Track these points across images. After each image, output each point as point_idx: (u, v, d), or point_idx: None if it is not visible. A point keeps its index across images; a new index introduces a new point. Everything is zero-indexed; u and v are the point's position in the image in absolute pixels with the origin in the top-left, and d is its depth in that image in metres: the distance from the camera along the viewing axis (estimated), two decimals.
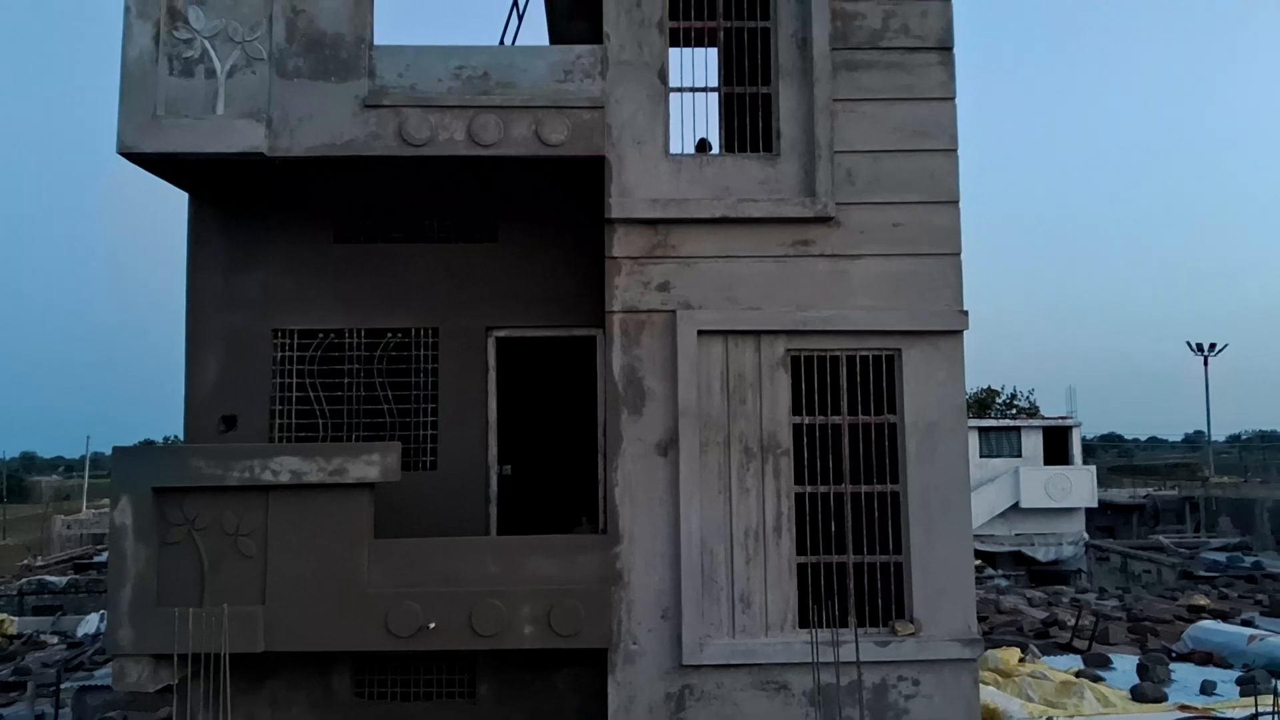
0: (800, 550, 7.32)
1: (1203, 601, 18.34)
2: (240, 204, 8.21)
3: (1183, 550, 29.39)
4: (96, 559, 27.67)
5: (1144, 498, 42.08)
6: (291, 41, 7.28)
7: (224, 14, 7.25)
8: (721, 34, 7.78)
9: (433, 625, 6.94)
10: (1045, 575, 29.54)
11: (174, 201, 8.25)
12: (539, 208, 8.29)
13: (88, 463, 52.20)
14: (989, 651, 10.41)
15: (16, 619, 17.23)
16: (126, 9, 7.17)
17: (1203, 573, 24.83)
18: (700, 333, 7.33)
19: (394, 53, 7.34)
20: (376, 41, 7.36)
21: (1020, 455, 32.31)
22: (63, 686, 9.67)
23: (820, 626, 6.88)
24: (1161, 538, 33.17)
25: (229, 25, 7.23)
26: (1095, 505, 33.06)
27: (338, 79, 7.26)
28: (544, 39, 10.94)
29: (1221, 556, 27.31)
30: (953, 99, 7.57)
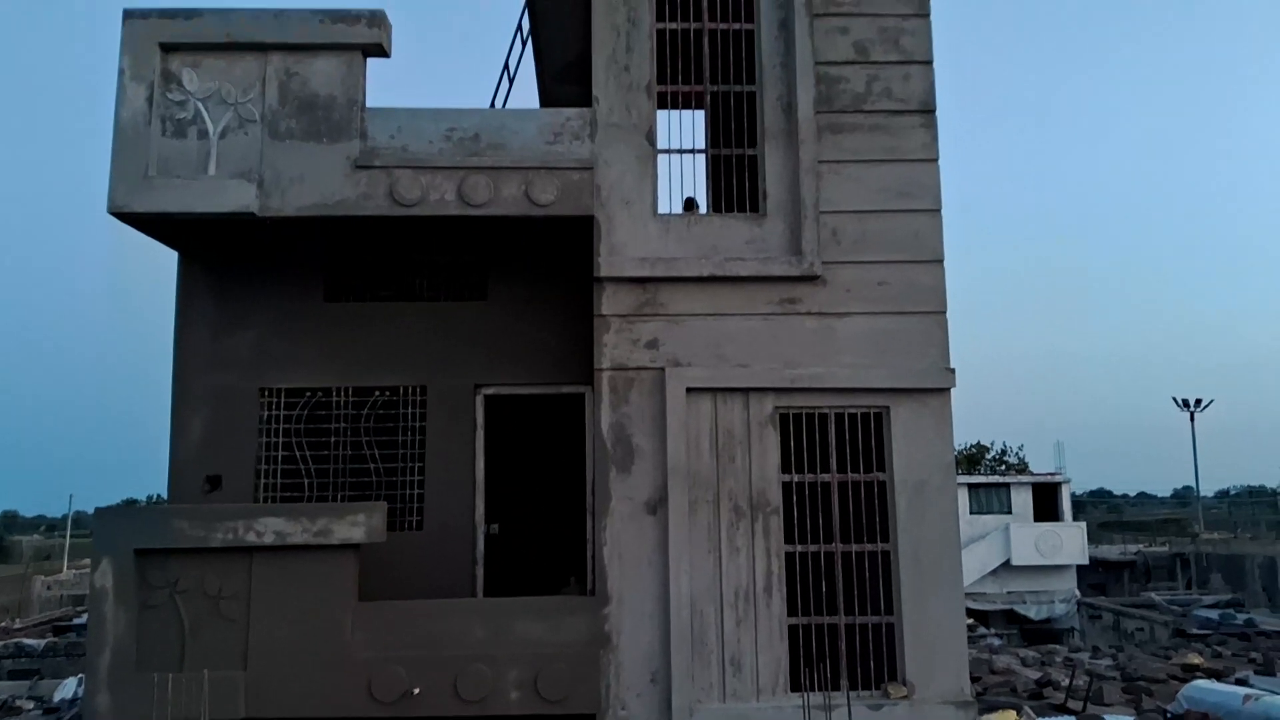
0: (791, 611, 7.24)
1: (1197, 660, 18.17)
2: (230, 263, 8.23)
3: (1175, 607, 29.20)
4: (76, 621, 27.13)
5: (1135, 554, 41.92)
6: (284, 104, 7.37)
7: (218, 77, 7.35)
8: (708, 97, 7.92)
9: (417, 690, 6.80)
10: (1038, 634, 29.25)
11: (164, 259, 8.27)
12: (528, 266, 8.34)
13: (70, 522, 51.47)
14: (983, 715, 10.25)
15: None
16: (121, 71, 7.25)
17: (1196, 630, 24.65)
18: (689, 390, 7.33)
19: (386, 115, 7.43)
20: (368, 104, 7.46)
21: (1010, 512, 32.20)
22: None
23: (812, 690, 6.78)
24: (1154, 595, 32.99)
25: (222, 87, 7.33)
26: (1086, 562, 32.88)
27: (329, 140, 7.33)
28: (534, 101, 11.13)
29: (1214, 614, 27.13)
30: (936, 160, 7.69)
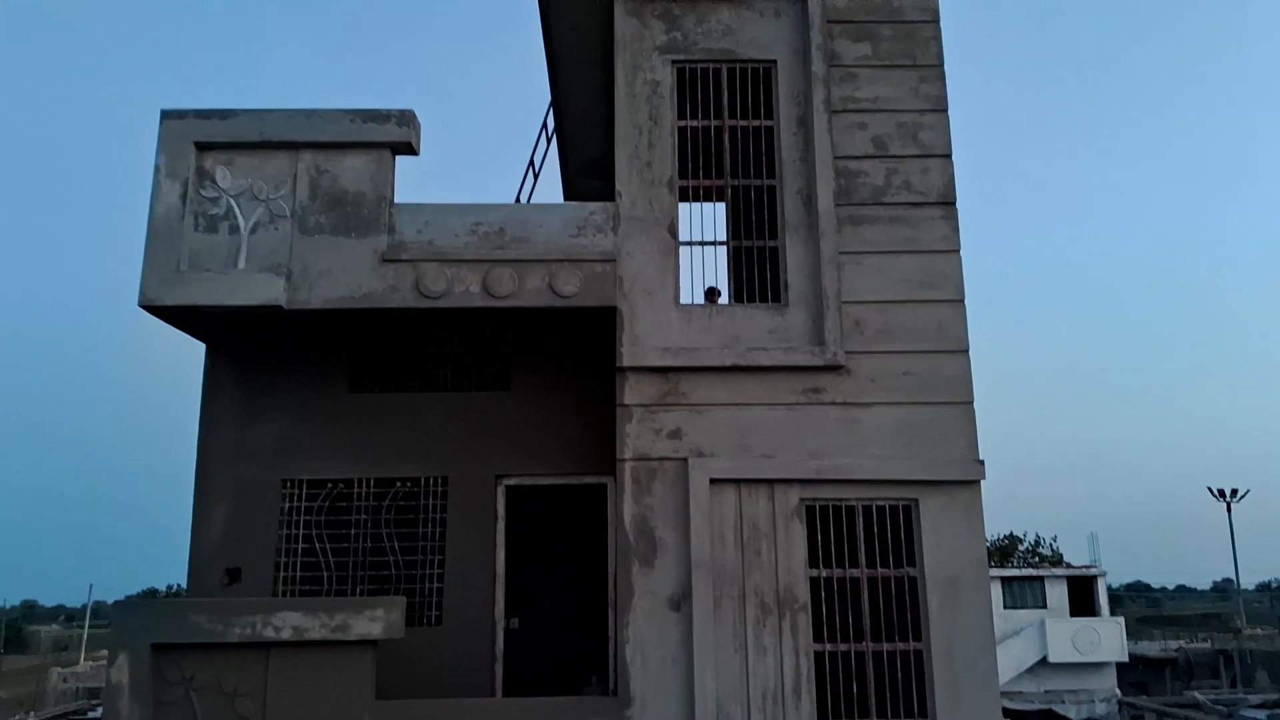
0: (821, 714, 6.97)
1: None
2: (256, 355, 8.32)
3: (1220, 707, 28.01)
4: (91, 715, 26.71)
5: (1176, 651, 40.48)
6: (314, 199, 7.54)
7: (250, 174, 7.54)
8: (729, 191, 8.03)
9: None
10: None
11: (188, 349, 8.38)
12: (551, 356, 8.36)
13: (88, 612, 51.17)
14: None
15: None
16: (156, 168, 7.47)
17: None
18: (713, 481, 7.24)
19: (414, 210, 7.58)
20: (396, 199, 7.61)
21: (1045, 606, 31.27)
22: None
23: None
24: (1197, 694, 31.68)
25: (255, 184, 7.51)
26: (1126, 659, 31.73)
27: (358, 235, 7.47)
28: (559, 195, 11.34)
29: (1262, 714, 25.98)
30: (957, 251, 7.71)
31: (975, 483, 7.29)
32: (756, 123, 8.02)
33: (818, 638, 7.08)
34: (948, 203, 7.78)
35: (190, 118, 7.59)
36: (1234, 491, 46.60)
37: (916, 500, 7.26)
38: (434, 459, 8.20)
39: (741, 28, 8.08)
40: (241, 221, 7.43)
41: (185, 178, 7.45)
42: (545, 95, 9.72)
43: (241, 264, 7.34)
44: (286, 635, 6.73)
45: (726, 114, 8.01)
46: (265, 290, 7.26)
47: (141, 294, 7.21)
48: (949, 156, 7.88)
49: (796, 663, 7.00)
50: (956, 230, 7.75)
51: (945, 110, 7.97)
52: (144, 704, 6.63)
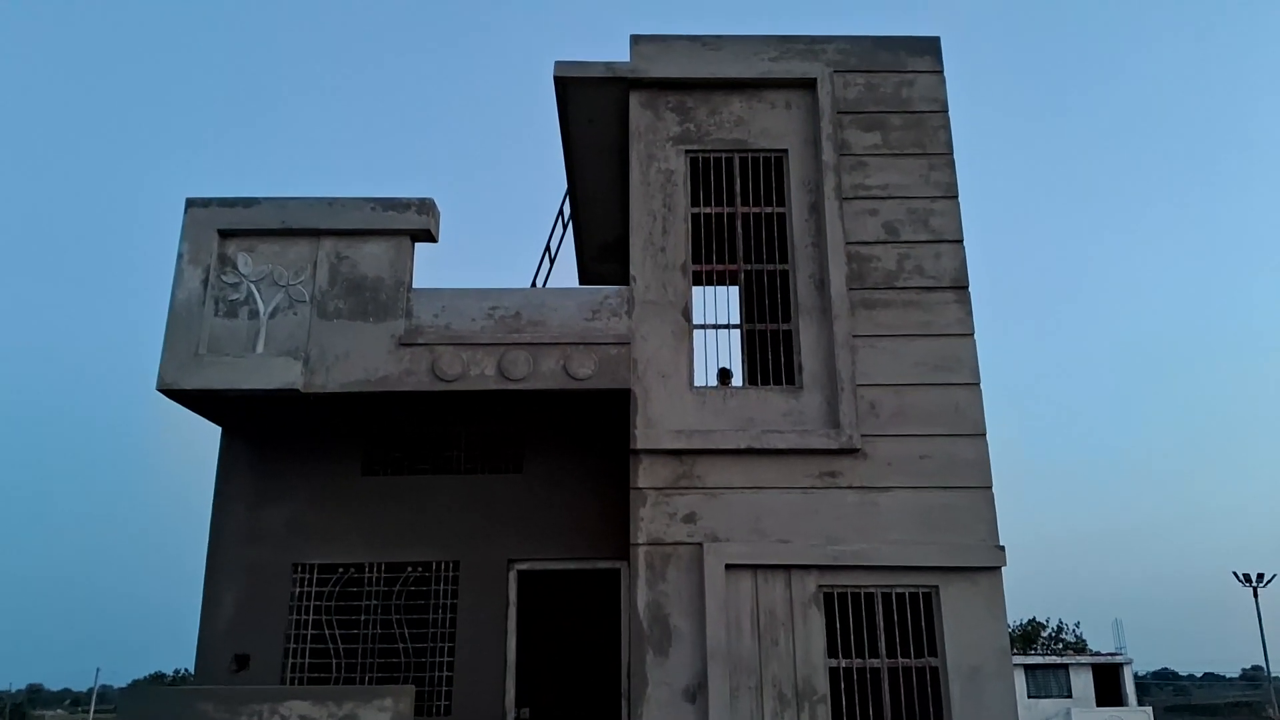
0: None
1: None
2: (271, 437, 8.34)
3: None
4: None
5: None
6: (334, 285, 7.65)
7: (271, 260, 7.68)
8: (742, 275, 8.11)
9: None
10: None
11: (204, 432, 8.41)
12: (564, 438, 8.35)
13: (94, 696, 50.30)
14: None
15: None
16: (180, 255, 7.61)
17: None
18: (728, 566, 7.13)
19: (431, 295, 7.67)
20: (414, 284, 7.71)
21: (1070, 695, 30.41)
22: None
23: None
24: None
25: (275, 270, 7.64)
26: None
27: (376, 319, 7.56)
28: (574, 277, 11.47)
29: None
30: (972, 334, 7.72)
31: (996, 569, 7.16)
32: (769, 209, 8.14)
33: None
34: (960, 286, 7.83)
35: (214, 205, 7.77)
36: (1260, 576, 45.50)
37: (937, 587, 7.13)
38: (446, 543, 8.13)
39: (753, 118, 8.27)
40: (261, 306, 7.54)
41: (208, 264, 7.59)
42: (562, 183, 9.91)
43: (260, 348, 7.42)
44: None
45: (739, 201, 8.14)
46: (282, 374, 7.32)
47: (160, 378, 7.28)
48: (960, 241, 7.96)
49: None
50: (970, 314, 7.77)
51: (956, 196, 8.08)
52: None
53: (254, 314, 7.52)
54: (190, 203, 7.79)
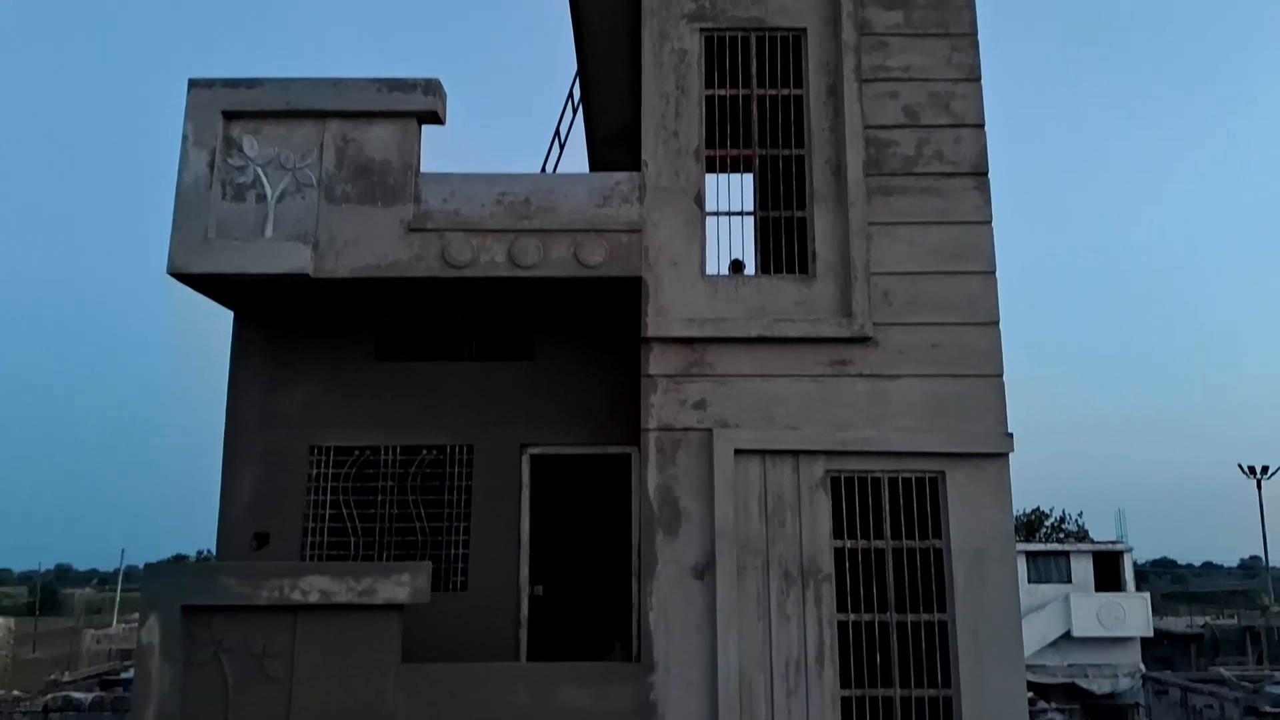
0: (844, 683, 7.00)
1: None
2: (283, 323, 8.37)
3: (1246, 684, 27.83)
4: (124, 675, 27.30)
5: (1201, 627, 40.25)
6: (341, 168, 7.54)
7: (277, 143, 7.55)
8: (756, 160, 7.94)
9: None
10: (1101, 709, 28.07)
11: (221, 318, 8.45)
12: (575, 327, 8.36)
13: (121, 576, 52.16)
14: None
15: None
16: (184, 137, 7.49)
17: (1268, 708, 23.43)
18: (737, 452, 7.23)
19: (440, 180, 7.56)
20: (422, 169, 7.60)
21: (1070, 581, 31.13)
22: None
23: None
24: (1223, 670, 31.49)
25: (281, 153, 7.52)
26: (1151, 634, 31.57)
27: (384, 204, 7.47)
28: (584, 166, 11.28)
29: None
30: (989, 222, 7.61)
31: (1004, 455, 7.24)
32: (785, 92, 7.92)
33: (841, 608, 7.09)
34: (980, 173, 7.67)
35: (218, 87, 7.60)
36: (1265, 469, 46.01)
37: (943, 473, 7.22)
38: (459, 428, 8.24)
39: None
40: (268, 190, 7.45)
41: (213, 146, 7.47)
42: (572, 65, 9.65)
43: (268, 232, 7.37)
44: (314, 599, 6.83)
45: (755, 83, 7.91)
46: (292, 259, 7.29)
47: (170, 261, 7.26)
48: (982, 126, 7.76)
49: (820, 632, 7.02)
50: (989, 201, 7.64)
51: (978, 79, 7.83)
52: (174, 664, 6.76)
53: (261, 198, 7.44)
54: (193, 83, 7.62)
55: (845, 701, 6.97)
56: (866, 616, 7.10)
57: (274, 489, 8.10)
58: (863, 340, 7.37)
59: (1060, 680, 29.90)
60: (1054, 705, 26.19)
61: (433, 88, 7.62)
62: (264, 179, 7.47)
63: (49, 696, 22.98)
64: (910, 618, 7.10)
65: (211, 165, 7.44)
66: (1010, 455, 7.25)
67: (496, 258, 7.38)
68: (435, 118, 7.66)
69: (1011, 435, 7.26)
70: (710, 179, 7.88)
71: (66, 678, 29.03)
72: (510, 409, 8.26)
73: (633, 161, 7.92)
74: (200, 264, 7.28)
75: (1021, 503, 45.51)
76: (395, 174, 7.52)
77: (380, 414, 8.24)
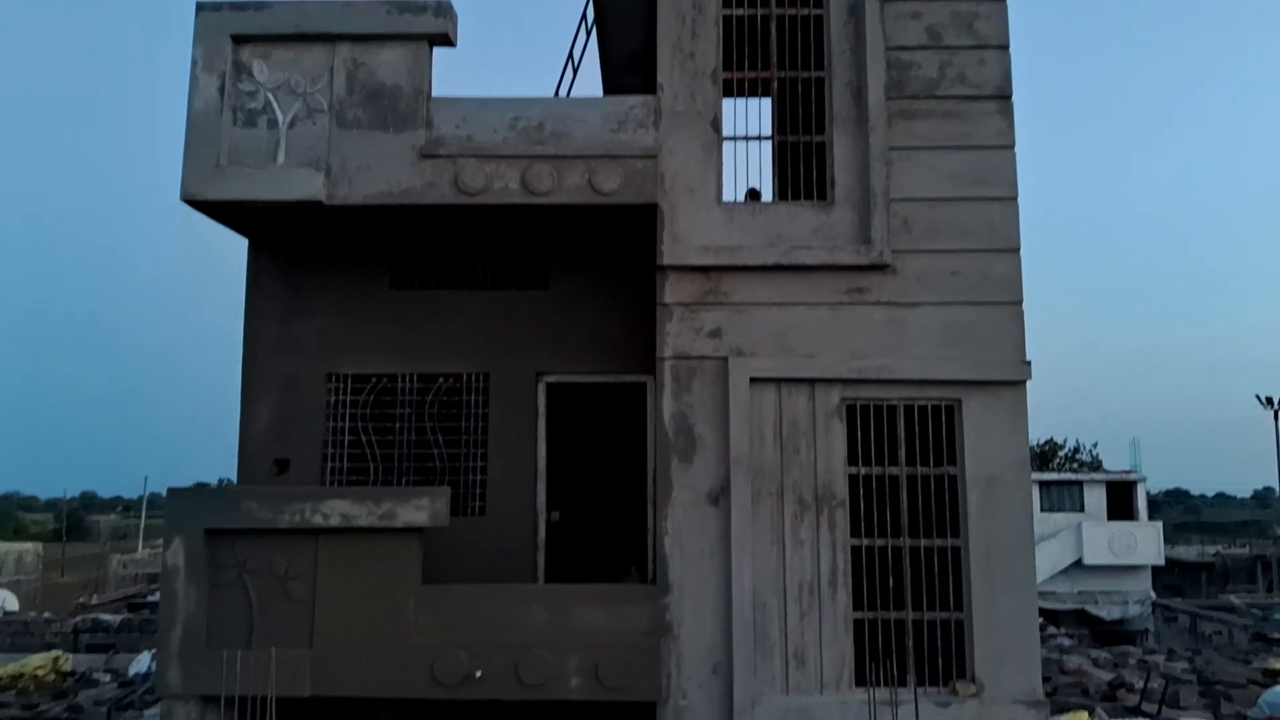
0: (857, 606, 7.11)
1: (1278, 666, 17.48)
2: (298, 251, 8.35)
3: (1255, 611, 28.16)
4: (150, 598, 28.03)
5: (1213, 556, 40.57)
6: (351, 93, 7.43)
7: (287, 67, 7.44)
8: (775, 84, 7.78)
9: (479, 674, 6.84)
10: (1110, 635, 28.46)
11: (237, 247, 8.44)
12: (590, 255, 8.31)
13: (145, 503, 53.23)
14: (1054, 716, 9.98)
15: (71, 656, 17.45)
16: (194, 62, 7.39)
17: (1277, 635, 23.74)
18: (753, 380, 7.23)
19: (451, 104, 7.45)
20: (434, 93, 7.48)
21: (1083, 510, 31.32)
22: None
23: (878, 685, 6.64)
24: (1232, 598, 31.87)
25: (291, 78, 7.42)
26: (1162, 563, 31.85)
27: (396, 129, 7.38)
28: (599, 92, 11.08)
29: None
30: (1012, 147, 7.46)
31: (1021, 383, 7.22)
32: (805, 12, 7.71)
33: (855, 533, 7.16)
34: (1004, 97, 7.49)
35: (226, 10, 7.47)
36: None
37: (960, 400, 7.22)
38: (475, 356, 8.27)
39: None
40: (280, 115, 7.37)
41: (223, 71, 7.37)
42: None
43: (280, 159, 7.31)
44: (335, 522, 6.95)
45: (774, 3, 7.70)
46: (305, 186, 7.24)
47: (183, 188, 7.23)
48: (1006, 48, 7.56)
49: (833, 556, 7.10)
50: (1012, 125, 7.48)
51: (1003, 0, 7.60)
52: (199, 585, 6.92)
53: (273, 124, 7.36)
54: (200, 6, 7.49)
55: (858, 623, 7.08)
56: (880, 542, 7.17)
57: (292, 416, 8.18)
58: (881, 268, 7.30)
59: (1070, 607, 30.30)
60: (1063, 630, 26.61)
61: (443, 9, 7.46)
62: (275, 104, 7.39)
63: (78, 619, 23.66)
64: (924, 543, 7.17)
65: (222, 91, 7.35)
66: (1027, 383, 7.23)
67: (510, 184, 7.30)
68: (446, 40, 7.52)
69: (1029, 363, 7.23)
70: (727, 103, 7.74)
71: (95, 601, 29.85)
72: (526, 337, 8.27)
73: (648, 87, 7.76)
74: (214, 190, 7.24)
75: (1035, 434, 45.56)
76: (406, 99, 7.42)
77: (396, 342, 8.26)
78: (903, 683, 6.87)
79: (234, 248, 8.44)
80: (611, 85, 11.06)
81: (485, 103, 7.47)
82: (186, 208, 7.34)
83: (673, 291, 7.37)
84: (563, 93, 9.63)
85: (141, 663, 15.86)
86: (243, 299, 8.40)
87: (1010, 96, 7.50)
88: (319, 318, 8.31)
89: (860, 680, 6.92)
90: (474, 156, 7.33)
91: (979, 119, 7.46)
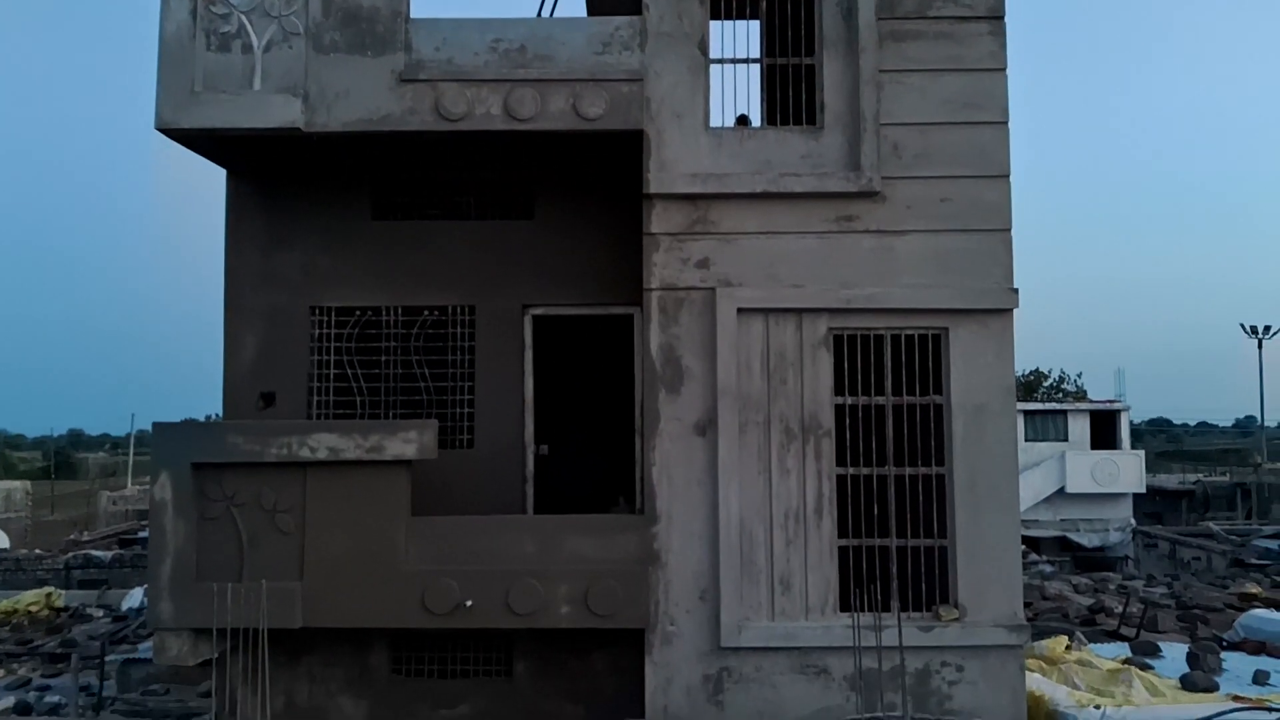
0: (842, 533, 7.17)
1: (1255, 590, 17.83)
2: (278, 181, 8.18)
3: (1234, 538, 28.69)
4: (140, 534, 28.16)
5: (1194, 484, 41.18)
6: (328, 15, 7.21)
7: None
8: (763, 5, 7.57)
9: (469, 603, 6.91)
10: (1091, 562, 29.01)
11: (217, 178, 8.25)
12: (576, 184, 8.17)
13: (132, 440, 53.15)
14: (1034, 640, 10.18)
15: (64, 592, 17.55)
16: None
17: (1254, 560, 24.22)
18: (740, 310, 7.18)
19: (430, 26, 7.24)
20: (412, 14, 7.26)
21: (1066, 439, 31.65)
22: (107, 659, 9.79)
23: (862, 610, 6.73)
24: (1212, 525, 32.41)
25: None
26: (1143, 491, 32.34)
27: (374, 53, 7.18)
28: (582, 10, 10.78)
29: (1274, 544, 26.58)
30: (1004, 70, 7.32)
31: (1008, 311, 7.20)
32: None
33: (841, 462, 7.20)
34: (996, 17, 7.34)
35: None
36: (1266, 328, 46.10)
37: (947, 329, 7.20)
38: (460, 288, 8.17)
39: None
40: (254, 40, 7.14)
41: None
42: None
43: (256, 84, 7.11)
44: (323, 455, 6.94)
45: None
46: (282, 112, 7.05)
47: (158, 116, 7.04)
48: None
49: (819, 485, 7.14)
50: (1004, 47, 7.34)
51: None
52: (188, 520, 6.92)
53: (247, 48, 7.14)
54: None
55: (843, 550, 7.16)
56: (865, 470, 7.21)
57: (277, 350, 8.09)
58: (870, 195, 7.21)
59: (1052, 534, 30.83)
60: (1045, 558, 27.09)
61: None
62: (249, 27, 7.15)
63: (69, 555, 23.79)
64: (909, 471, 7.21)
65: (194, 14, 7.11)
66: (1014, 311, 7.20)
67: (492, 110, 7.13)
68: None
69: (1017, 291, 7.19)
70: (715, 26, 7.54)
71: (85, 537, 29.97)
72: (511, 269, 8.16)
73: (633, 6, 7.55)
74: (189, 118, 7.05)
75: (1021, 364, 45.83)
76: (384, 20, 7.20)
77: (380, 274, 8.15)
78: (886, 608, 6.96)
79: (219, 179, 8.26)
80: (595, 5, 10.77)
81: (464, 24, 7.27)
82: (165, 138, 7.16)
83: (659, 221, 7.27)
84: (545, 13, 9.37)
85: (134, 598, 15.95)
86: (224, 231, 8.25)
87: (1002, 17, 7.34)
88: (301, 250, 8.18)
89: (845, 606, 7.01)
90: (455, 81, 7.15)
91: (971, 41, 7.31)
